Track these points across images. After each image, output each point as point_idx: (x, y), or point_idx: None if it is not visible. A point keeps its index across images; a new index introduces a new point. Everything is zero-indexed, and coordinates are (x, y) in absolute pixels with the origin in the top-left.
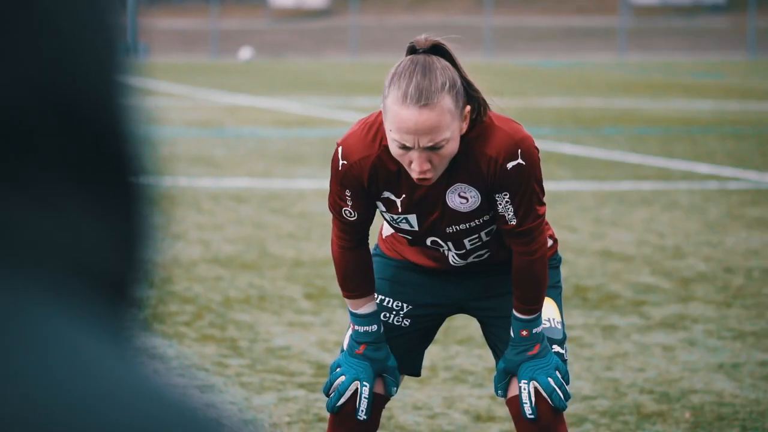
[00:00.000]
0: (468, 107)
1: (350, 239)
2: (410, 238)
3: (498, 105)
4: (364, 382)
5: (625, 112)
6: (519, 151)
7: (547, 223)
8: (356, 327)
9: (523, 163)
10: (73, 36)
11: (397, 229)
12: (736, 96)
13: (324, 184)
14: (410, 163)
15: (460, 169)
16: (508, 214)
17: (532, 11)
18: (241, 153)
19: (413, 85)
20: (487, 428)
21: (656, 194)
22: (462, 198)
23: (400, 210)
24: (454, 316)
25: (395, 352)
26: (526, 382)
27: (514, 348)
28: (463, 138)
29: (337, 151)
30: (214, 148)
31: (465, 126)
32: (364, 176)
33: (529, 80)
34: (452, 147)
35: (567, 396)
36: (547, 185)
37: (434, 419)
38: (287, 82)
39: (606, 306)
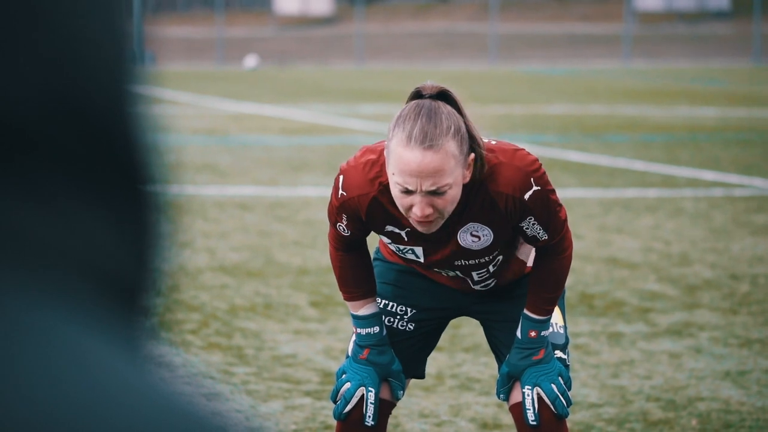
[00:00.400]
0: (472, 155)
1: (345, 246)
2: (417, 265)
3: (500, 113)
4: (370, 388)
5: (630, 119)
6: (532, 179)
7: (565, 210)
8: (358, 330)
9: (539, 188)
10: (83, 44)
11: (404, 259)
12: (741, 103)
13: (330, 192)
14: (411, 207)
15: (474, 209)
16: (539, 234)
17: (537, 18)
18: (247, 161)
19: (418, 128)
20: None
21: (661, 201)
22: (474, 237)
23: (406, 240)
24: (460, 324)
25: (400, 357)
26: (529, 388)
27: (519, 352)
28: (471, 182)
29: (338, 177)
30: (219, 156)
31: (468, 175)
32: (362, 212)
33: (534, 87)
34: (455, 193)
35: (569, 402)
36: None
37: (441, 427)
38: (293, 89)
39: (612, 313)
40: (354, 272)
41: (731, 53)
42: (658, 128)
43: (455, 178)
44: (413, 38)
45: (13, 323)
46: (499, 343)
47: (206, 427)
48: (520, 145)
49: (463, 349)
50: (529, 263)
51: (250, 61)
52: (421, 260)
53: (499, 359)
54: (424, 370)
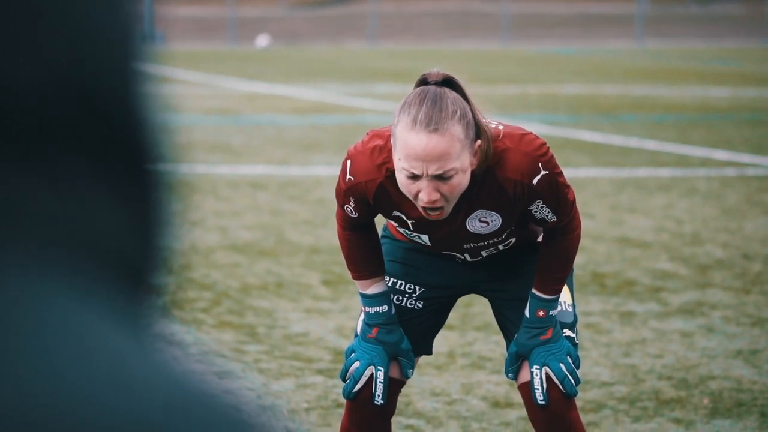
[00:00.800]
0: (478, 142)
1: (353, 225)
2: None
3: (512, 93)
4: (379, 367)
5: (643, 99)
6: (539, 164)
7: (573, 192)
8: (367, 308)
9: (546, 172)
10: (90, 22)
11: (411, 241)
12: (753, 83)
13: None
14: (418, 193)
15: (482, 197)
16: (548, 216)
17: None
18: (259, 140)
19: (423, 112)
20: (505, 414)
21: (674, 181)
22: (483, 222)
23: (412, 228)
24: (471, 302)
25: (409, 335)
26: (538, 367)
27: (527, 331)
28: (478, 170)
29: (346, 161)
30: (231, 135)
31: (476, 162)
32: (369, 196)
33: (547, 67)
34: (461, 179)
35: (577, 381)
36: (565, 172)
37: (452, 405)
38: (305, 69)
39: (624, 292)
40: (362, 251)
41: (744, 33)
42: (670, 108)
43: (462, 162)
44: (426, 18)
45: (14, 303)
46: (507, 321)
47: (218, 406)
48: (528, 129)
49: (474, 327)
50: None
51: (262, 40)
52: (429, 245)
53: (507, 337)
54: (431, 347)
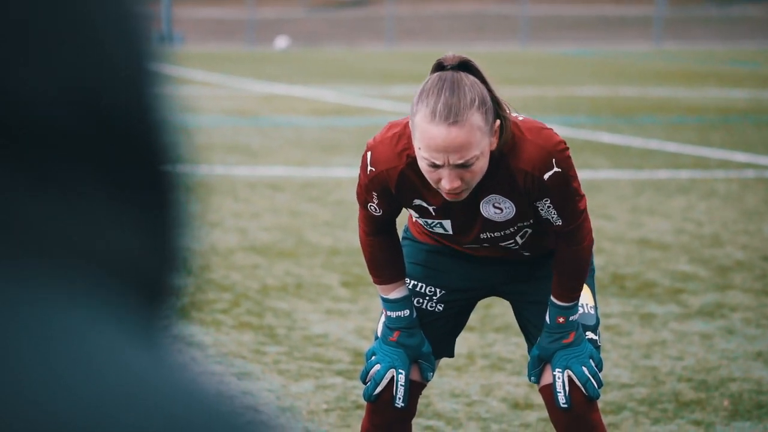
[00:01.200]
0: (497, 122)
1: (375, 228)
2: (446, 240)
3: (531, 95)
4: (400, 370)
5: (662, 101)
6: (554, 160)
7: (586, 201)
8: (388, 313)
9: (560, 170)
10: (102, 25)
11: (431, 233)
12: None
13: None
14: (440, 180)
15: (494, 182)
16: (553, 218)
17: (568, 0)
18: (278, 142)
19: (442, 102)
20: (525, 416)
21: (693, 183)
22: (497, 209)
23: (434, 215)
24: (491, 304)
25: (429, 337)
26: (560, 371)
27: (548, 335)
28: (496, 152)
29: (366, 154)
30: (250, 136)
31: (495, 141)
32: (391, 185)
33: (565, 69)
34: (482, 163)
35: (600, 384)
36: (585, 174)
37: (472, 407)
38: (323, 71)
39: (644, 294)
40: (384, 256)
41: (763, 35)
42: (689, 110)
43: (482, 149)
44: (444, 20)
45: (17, 311)
46: (528, 323)
47: (231, 420)
48: (549, 126)
49: (494, 329)
50: None
51: (281, 42)
52: (450, 232)
53: (529, 339)
54: (453, 349)
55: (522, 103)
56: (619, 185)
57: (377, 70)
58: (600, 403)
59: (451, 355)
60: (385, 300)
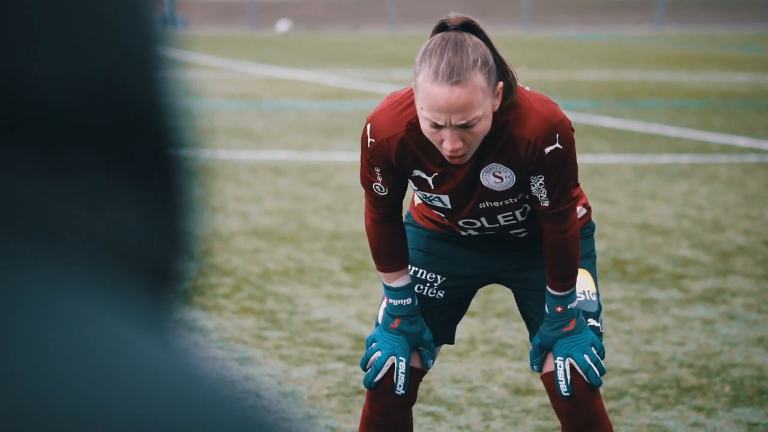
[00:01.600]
0: (500, 84)
1: (382, 213)
2: (443, 215)
3: (532, 78)
4: (401, 357)
5: (664, 85)
6: (557, 135)
7: (580, 191)
8: (390, 300)
9: (561, 147)
10: (112, 8)
11: (431, 206)
12: None
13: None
14: (442, 141)
15: (496, 149)
16: (541, 196)
17: None
18: (280, 126)
19: (444, 62)
20: (526, 401)
21: (695, 167)
22: (497, 177)
23: (432, 188)
24: (492, 289)
25: (430, 324)
26: (561, 359)
27: (549, 324)
28: (500, 119)
29: (366, 127)
30: (252, 120)
31: (497, 103)
32: (392, 154)
33: (567, 53)
34: (485, 125)
35: (602, 371)
36: (586, 158)
37: (473, 392)
38: (325, 54)
39: (645, 279)
40: (389, 245)
41: (765, 19)
42: (691, 94)
43: (484, 109)
44: (446, 3)
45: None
46: (529, 310)
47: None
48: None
49: (495, 314)
50: None
51: (283, 25)
52: (449, 206)
53: (530, 327)
54: (453, 336)
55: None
56: (621, 169)
57: (379, 53)
58: (601, 389)
59: (451, 342)
60: (387, 287)
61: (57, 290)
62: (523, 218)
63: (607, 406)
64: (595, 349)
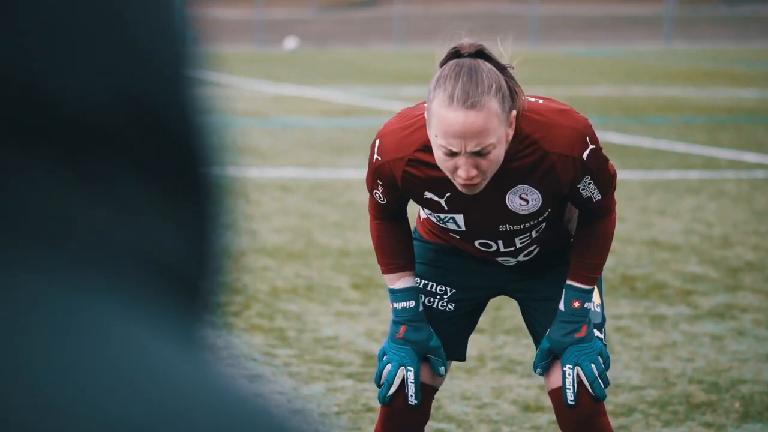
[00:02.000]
0: (514, 112)
1: (384, 214)
2: (458, 237)
3: (541, 95)
4: (409, 367)
5: (672, 101)
6: (587, 138)
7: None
8: (394, 305)
9: (593, 146)
10: (143, 27)
11: (444, 229)
12: None
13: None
14: (455, 169)
15: (526, 170)
16: (594, 194)
17: (578, 0)
18: (287, 143)
19: (459, 87)
20: (536, 418)
21: (703, 183)
22: (522, 200)
23: (446, 209)
24: (501, 306)
25: (442, 338)
26: (570, 367)
27: (561, 327)
28: (524, 140)
29: (374, 142)
30: (260, 137)
31: (511, 133)
32: (397, 177)
33: (575, 69)
34: (498, 153)
35: (606, 383)
36: None
37: (483, 409)
38: (333, 71)
39: (654, 295)
40: (392, 242)
41: None
42: (699, 110)
43: (499, 137)
44: (454, 21)
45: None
46: (536, 322)
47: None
48: (566, 105)
49: (504, 331)
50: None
51: (290, 43)
52: (463, 229)
53: (537, 340)
54: (464, 352)
55: None
56: (629, 185)
57: (387, 70)
58: (610, 405)
59: (462, 358)
60: (391, 291)
61: (79, 295)
62: (537, 235)
63: (617, 422)
64: (602, 359)
